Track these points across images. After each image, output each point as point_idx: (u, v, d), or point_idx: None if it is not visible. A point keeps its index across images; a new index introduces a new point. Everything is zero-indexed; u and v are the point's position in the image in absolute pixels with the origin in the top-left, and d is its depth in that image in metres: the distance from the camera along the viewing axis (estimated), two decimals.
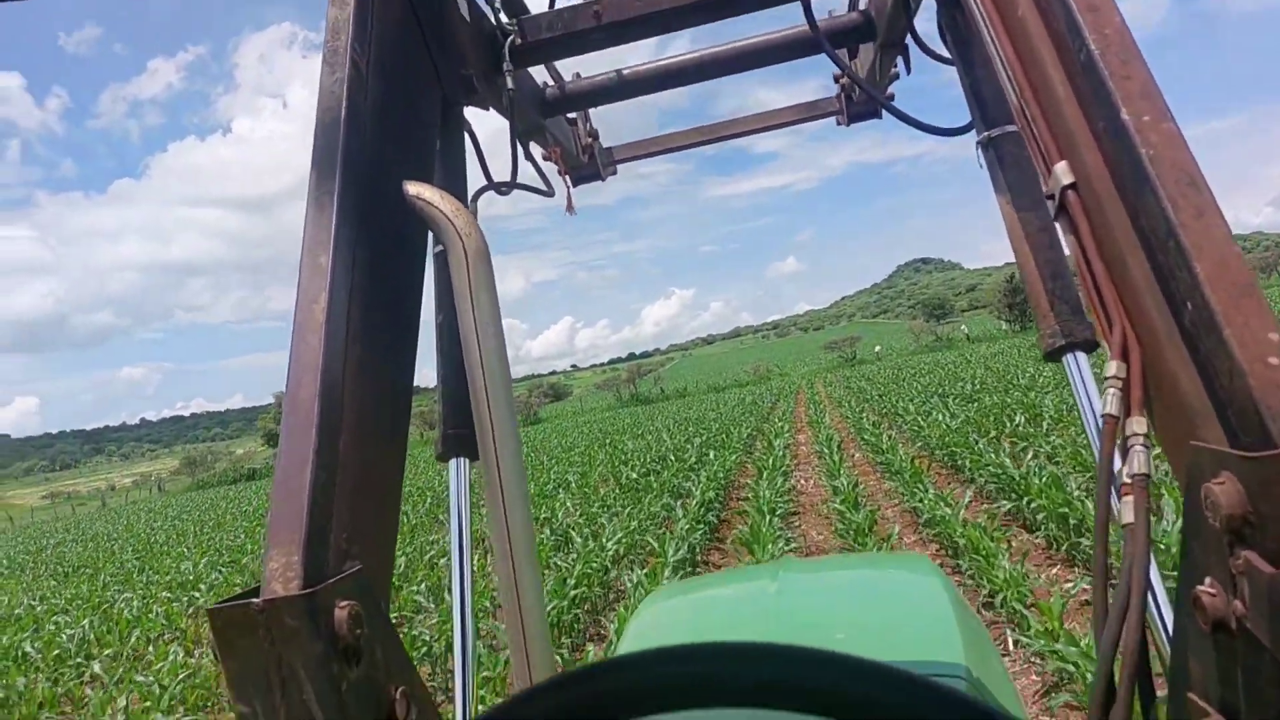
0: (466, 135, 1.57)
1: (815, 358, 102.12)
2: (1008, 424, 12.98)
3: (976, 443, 11.37)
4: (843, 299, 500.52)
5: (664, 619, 2.05)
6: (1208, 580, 0.70)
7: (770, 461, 13.82)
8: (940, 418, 15.04)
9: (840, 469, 11.99)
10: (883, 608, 1.83)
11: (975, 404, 17.00)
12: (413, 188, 1.14)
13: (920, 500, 8.83)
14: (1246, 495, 0.65)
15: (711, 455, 16.06)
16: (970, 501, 8.59)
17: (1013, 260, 1.31)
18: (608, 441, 27.31)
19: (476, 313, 1.15)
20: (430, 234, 1.20)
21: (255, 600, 0.77)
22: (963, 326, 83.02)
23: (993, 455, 9.99)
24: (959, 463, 10.90)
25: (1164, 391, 0.81)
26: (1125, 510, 0.79)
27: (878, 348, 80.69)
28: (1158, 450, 0.82)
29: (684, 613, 2.12)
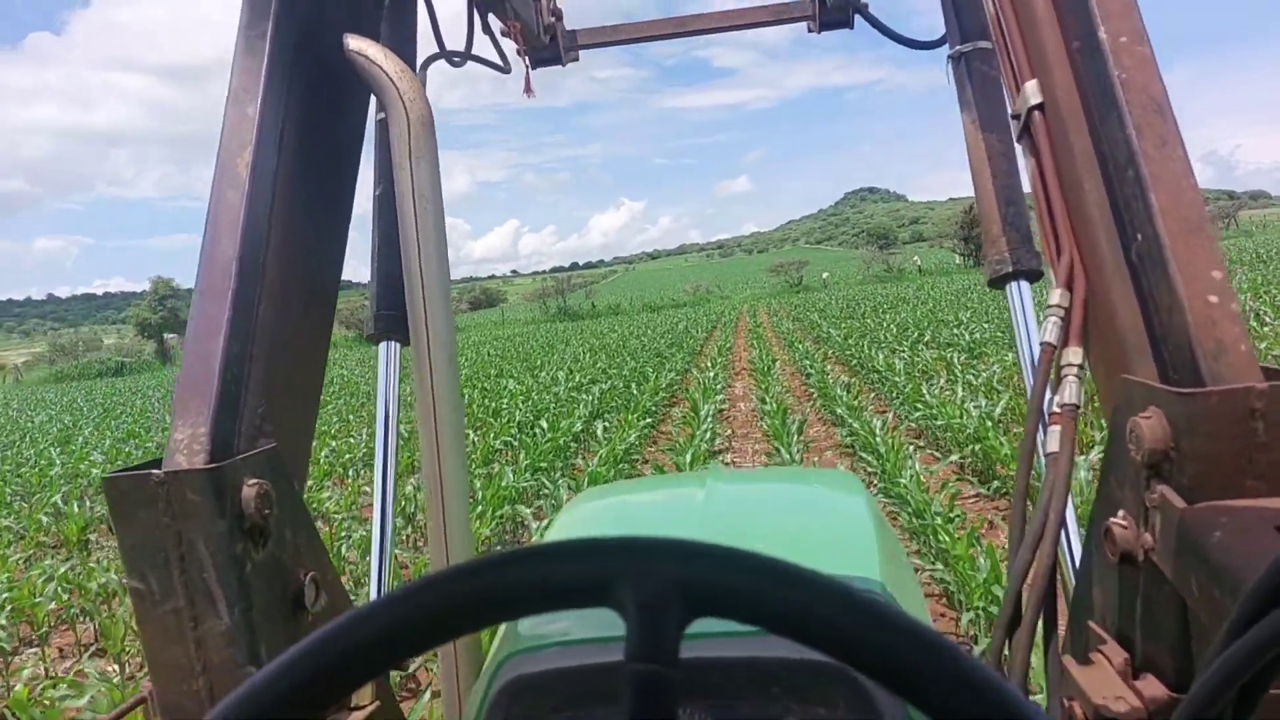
0: None
1: (759, 281, 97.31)
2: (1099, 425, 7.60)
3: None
4: (789, 223, 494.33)
5: (590, 523, 1.93)
6: (1120, 513, 0.72)
7: (690, 454, 8.32)
8: (958, 392, 9.69)
9: None
10: (805, 521, 1.80)
11: (994, 363, 11.76)
12: (354, 42, 1.05)
13: None
14: (1171, 431, 0.66)
15: (600, 430, 10.44)
16: None
17: (958, 196, 1.35)
18: (492, 373, 21.54)
19: (415, 186, 1.06)
20: (374, 99, 1.11)
21: (156, 471, 0.73)
22: (915, 258, 78.66)
23: None
24: None
25: (1103, 323, 0.81)
26: (1051, 439, 0.80)
27: (825, 274, 75.90)
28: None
29: (610, 515, 1.99)
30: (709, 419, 10.43)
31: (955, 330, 17.38)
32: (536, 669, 0.98)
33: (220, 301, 0.81)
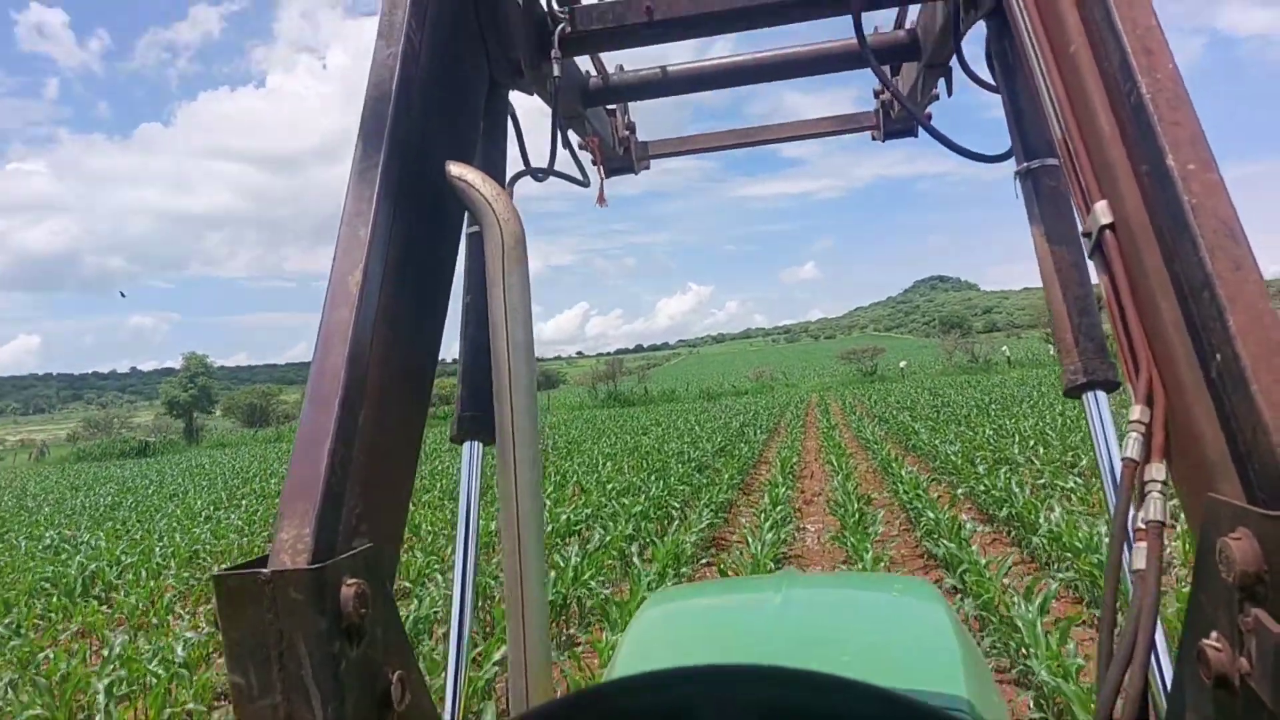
0: (509, 119, 1.56)
1: (828, 368, 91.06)
2: None
3: None
4: (856, 309, 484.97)
5: (665, 628, 1.94)
6: (1214, 634, 0.70)
7: None
8: None
9: None
10: (888, 631, 1.79)
11: None
12: (455, 168, 1.13)
13: None
14: (1263, 553, 0.65)
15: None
16: None
17: (1032, 285, 1.26)
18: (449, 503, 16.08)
19: (507, 298, 1.12)
20: (466, 214, 1.19)
21: (263, 570, 0.76)
22: (1004, 348, 71.60)
23: None
24: None
25: (1185, 441, 0.81)
26: (1138, 556, 0.79)
27: (903, 363, 69.34)
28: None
29: (685, 623, 2.00)
30: None
31: None
32: None
33: (328, 409, 0.84)
